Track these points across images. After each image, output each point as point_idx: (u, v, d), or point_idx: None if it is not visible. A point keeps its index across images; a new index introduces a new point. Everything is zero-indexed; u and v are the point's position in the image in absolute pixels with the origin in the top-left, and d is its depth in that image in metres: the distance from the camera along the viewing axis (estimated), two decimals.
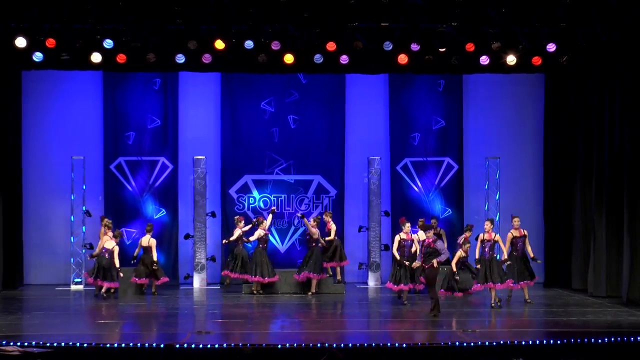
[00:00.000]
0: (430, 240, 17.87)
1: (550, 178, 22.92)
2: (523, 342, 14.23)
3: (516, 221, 19.64)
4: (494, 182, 23.16)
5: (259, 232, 21.14)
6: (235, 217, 22.09)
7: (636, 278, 18.79)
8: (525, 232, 19.59)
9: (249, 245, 21.60)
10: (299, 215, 22.00)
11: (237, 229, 21.61)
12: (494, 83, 23.31)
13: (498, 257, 19.32)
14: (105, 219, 21.45)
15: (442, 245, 18.10)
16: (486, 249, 19.05)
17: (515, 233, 19.53)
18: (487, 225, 19.28)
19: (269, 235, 22.02)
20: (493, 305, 18.74)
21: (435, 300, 17.66)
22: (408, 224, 19.78)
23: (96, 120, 23.30)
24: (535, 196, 23.51)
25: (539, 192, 23.39)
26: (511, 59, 19.63)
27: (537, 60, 19.93)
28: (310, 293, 20.97)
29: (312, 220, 21.29)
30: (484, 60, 19.83)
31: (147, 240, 21.10)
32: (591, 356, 14.13)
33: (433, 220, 22.27)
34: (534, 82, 23.27)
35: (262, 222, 21.33)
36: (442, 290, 20.20)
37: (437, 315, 17.46)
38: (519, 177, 23.71)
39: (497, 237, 19.13)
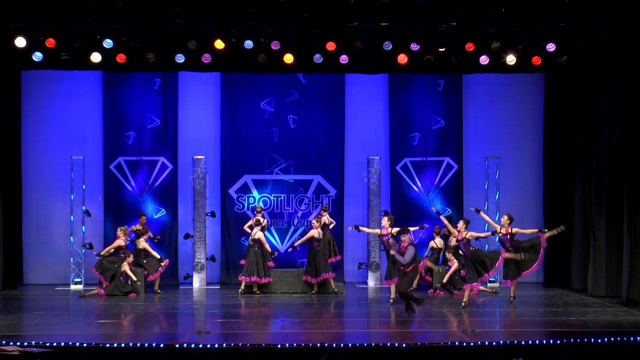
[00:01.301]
0: (406, 244, 17.75)
1: (550, 178, 22.93)
2: (523, 342, 14.20)
3: (503, 219, 19.64)
4: (494, 181, 23.15)
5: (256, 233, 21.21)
6: (257, 206, 22.31)
7: (636, 278, 18.77)
8: (513, 230, 19.37)
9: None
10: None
11: (258, 216, 21.62)
12: (494, 83, 23.33)
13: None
14: (144, 216, 22.09)
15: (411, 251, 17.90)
16: (462, 249, 19.03)
17: (503, 231, 19.44)
18: (460, 224, 19.14)
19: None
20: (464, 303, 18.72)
21: (408, 299, 17.54)
22: (385, 218, 20.22)
23: (96, 120, 23.30)
24: (535, 196, 23.53)
25: (538, 192, 23.41)
26: (511, 59, 19.60)
27: (536, 60, 19.90)
28: (312, 292, 21.05)
29: (314, 221, 21.30)
30: (484, 60, 19.80)
31: (139, 242, 21.51)
32: (591, 356, 14.10)
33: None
34: (534, 82, 23.28)
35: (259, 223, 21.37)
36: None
37: (413, 315, 17.34)
38: (519, 176, 23.72)
39: (469, 235, 18.98)
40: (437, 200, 23.61)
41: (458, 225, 19.25)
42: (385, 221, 20.07)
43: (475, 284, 18.85)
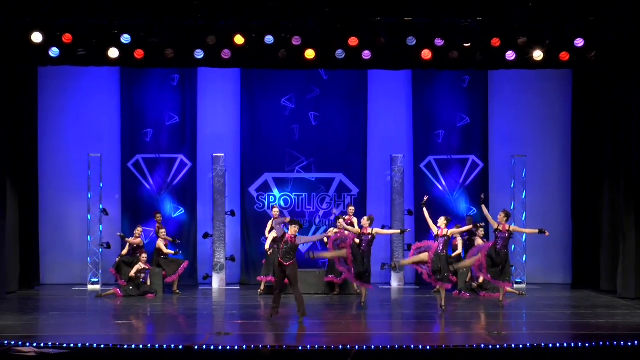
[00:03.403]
0: (292, 235, 16.98)
1: (578, 176, 22.66)
2: (550, 345, 13.97)
3: (499, 216, 18.94)
4: (520, 180, 22.82)
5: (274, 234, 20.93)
6: (274, 207, 22.07)
7: None
8: (511, 228, 18.89)
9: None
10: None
11: (272, 219, 21.30)
12: (520, 79, 23.02)
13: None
14: (159, 214, 22.09)
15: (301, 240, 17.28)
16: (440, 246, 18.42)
17: (500, 227, 18.87)
18: (441, 221, 18.47)
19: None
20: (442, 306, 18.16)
21: (299, 299, 16.89)
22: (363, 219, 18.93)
23: (113, 116, 23.15)
24: (562, 195, 23.20)
25: (566, 191, 23.09)
26: (538, 55, 19.43)
27: (564, 56, 19.68)
28: (334, 293, 20.82)
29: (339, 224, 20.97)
30: (510, 55, 19.60)
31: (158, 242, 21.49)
32: (620, 359, 13.88)
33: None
34: (561, 78, 23.01)
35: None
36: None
37: (302, 317, 16.78)
38: (546, 175, 23.41)
39: (449, 232, 18.45)
40: (462, 199, 23.31)
41: (439, 222, 18.52)
42: (365, 221, 19.09)
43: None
